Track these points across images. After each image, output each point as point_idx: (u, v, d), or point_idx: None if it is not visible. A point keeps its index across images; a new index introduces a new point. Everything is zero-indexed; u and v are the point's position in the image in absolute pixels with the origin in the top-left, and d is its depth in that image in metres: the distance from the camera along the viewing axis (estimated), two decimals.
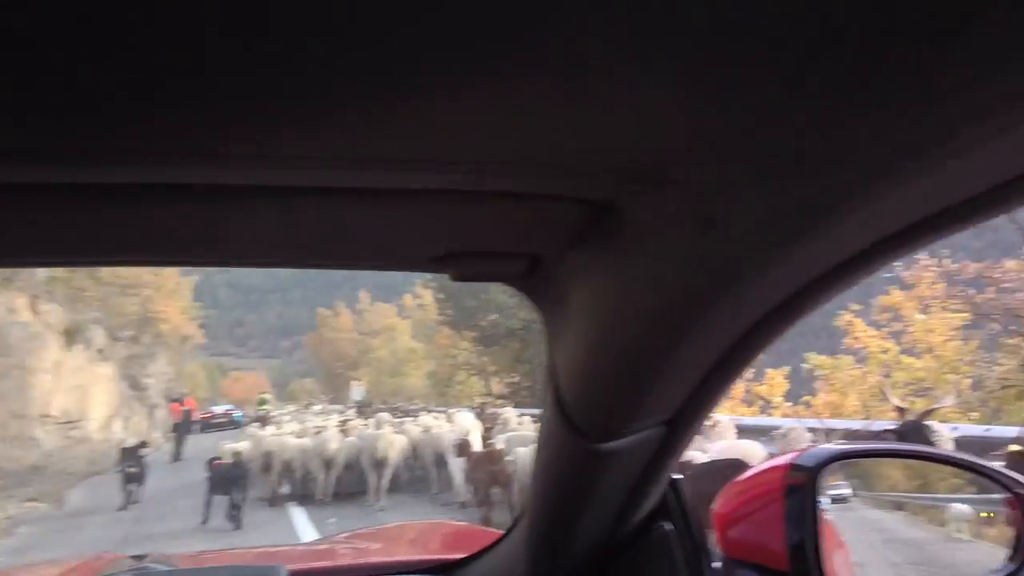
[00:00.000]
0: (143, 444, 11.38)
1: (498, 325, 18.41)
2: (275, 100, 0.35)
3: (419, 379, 31.87)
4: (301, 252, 0.65)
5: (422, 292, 30.80)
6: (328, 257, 0.68)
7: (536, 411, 7.15)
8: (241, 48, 0.31)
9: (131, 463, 10.32)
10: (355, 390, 28.74)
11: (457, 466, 8.30)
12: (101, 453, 18.11)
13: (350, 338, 41.63)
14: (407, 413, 18.31)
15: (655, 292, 0.51)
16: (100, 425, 19.24)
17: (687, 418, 0.65)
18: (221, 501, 8.19)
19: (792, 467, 0.80)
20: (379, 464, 8.97)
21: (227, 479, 8.19)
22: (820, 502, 0.77)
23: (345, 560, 1.40)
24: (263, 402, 22.77)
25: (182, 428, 16.76)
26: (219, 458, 8.89)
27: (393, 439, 9.27)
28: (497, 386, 20.20)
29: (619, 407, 0.63)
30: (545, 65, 0.33)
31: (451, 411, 13.52)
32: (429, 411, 17.37)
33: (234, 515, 8.02)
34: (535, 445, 0.80)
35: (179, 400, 18.47)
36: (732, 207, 0.43)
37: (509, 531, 0.99)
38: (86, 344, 17.67)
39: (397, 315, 38.38)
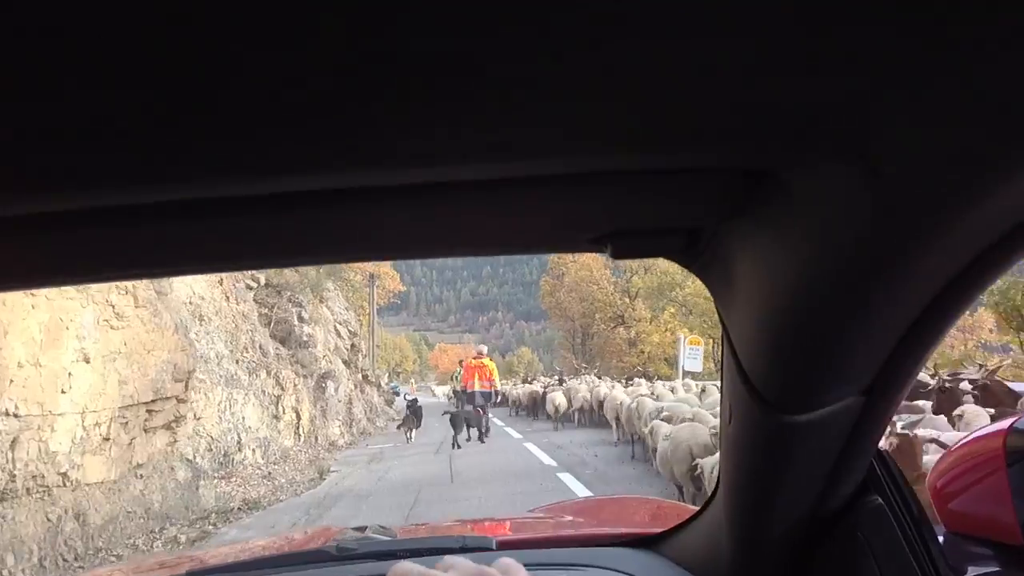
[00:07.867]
0: None
1: None
2: (431, 100, 0.37)
3: None
4: (461, 242, 0.68)
5: None
6: (489, 246, 0.70)
7: None
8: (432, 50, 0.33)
9: None
10: (686, 351, 15.45)
11: None
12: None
13: (608, 278, 28.78)
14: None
15: (827, 259, 0.50)
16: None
17: (887, 387, 0.62)
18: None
19: (1013, 431, 0.79)
20: None
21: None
22: None
23: (550, 532, 1.54)
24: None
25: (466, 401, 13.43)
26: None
27: None
28: None
29: (808, 378, 0.62)
30: (684, 30, 0.32)
31: None
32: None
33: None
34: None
35: (476, 359, 13.83)
36: (901, 159, 0.40)
37: (706, 506, 1.02)
38: None
39: None
